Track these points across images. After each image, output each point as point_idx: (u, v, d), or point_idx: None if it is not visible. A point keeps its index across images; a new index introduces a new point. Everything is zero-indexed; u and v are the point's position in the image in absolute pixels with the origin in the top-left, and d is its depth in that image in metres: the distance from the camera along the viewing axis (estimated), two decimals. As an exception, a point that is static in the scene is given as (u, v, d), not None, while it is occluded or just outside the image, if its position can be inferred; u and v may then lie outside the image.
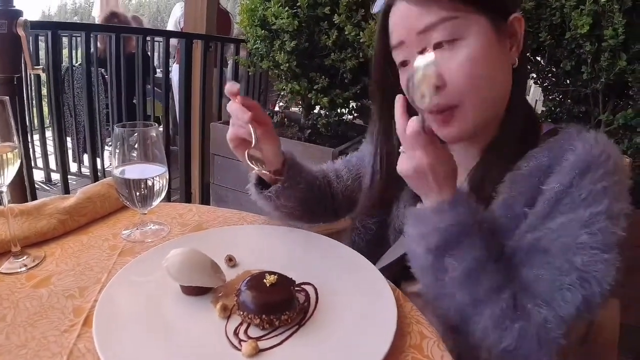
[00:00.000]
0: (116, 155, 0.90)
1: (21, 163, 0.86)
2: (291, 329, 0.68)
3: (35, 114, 3.87)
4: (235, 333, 0.67)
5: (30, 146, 3.76)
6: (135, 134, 0.90)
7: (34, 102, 3.78)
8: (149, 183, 0.91)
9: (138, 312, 0.71)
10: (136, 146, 0.91)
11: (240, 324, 0.69)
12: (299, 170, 1.00)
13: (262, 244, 0.95)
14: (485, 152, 0.87)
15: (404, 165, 0.76)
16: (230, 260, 0.85)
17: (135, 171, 0.91)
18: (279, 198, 0.96)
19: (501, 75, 0.83)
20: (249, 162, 0.87)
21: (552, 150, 0.80)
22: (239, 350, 0.64)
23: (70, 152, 3.87)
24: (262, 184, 1.00)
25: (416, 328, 0.72)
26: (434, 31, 0.78)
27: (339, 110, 2.32)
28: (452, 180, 0.77)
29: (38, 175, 3.78)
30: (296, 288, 0.75)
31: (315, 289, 0.78)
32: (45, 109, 3.39)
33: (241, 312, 0.69)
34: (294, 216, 1.03)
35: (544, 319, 0.71)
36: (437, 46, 0.78)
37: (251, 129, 0.85)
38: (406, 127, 0.73)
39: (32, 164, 3.70)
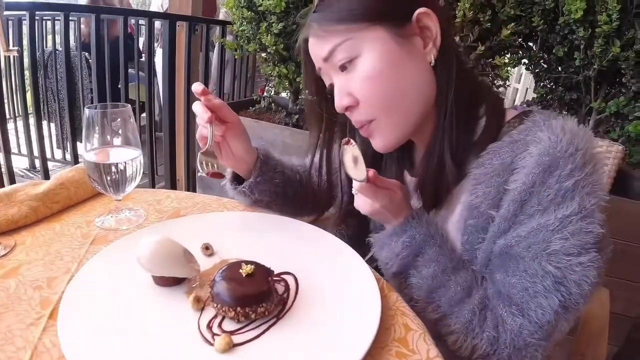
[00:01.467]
0: (87, 138, 0.85)
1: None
2: (268, 322, 0.65)
3: (18, 100, 3.79)
4: (209, 326, 0.64)
5: (15, 132, 3.71)
6: (118, 119, 0.86)
7: (16, 88, 3.70)
8: (121, 167, 0.86)
9: (106, 304, 0.67)
10: (110, 128, 0.87)
11: (215, 316, 0.66)
12: (273, 165, 0.99)
13: (241, 231, 0.92)
14: (424, 153, 0.86)
15: (361, 206, 0.83)
16: (207, 249, 0.82)
17: (108, 155, 0.87)
18: (253, 193, 0.96)
19: (414, 79, 0.80)
20: (198, 165, 0.86)
21: (515, 144, 0.76)
22: (212, 344, 0.60)
23: (54, 139, 3.81)
24: (237, 179, 1.00)
25: (401, 320, 0.69)
26: (334, 57, 0.79)
27: (327, 96, 2.26)
28: (405, 205, 0.84)
29: (23, 163, 3.71)
30: (275, 278, 0.71)
31: (296, 279, 0.74)
32: (29, 96, 3.31)
33: (215, 304, 0.65)
34: (273, 210, 1.02)
35: (519, 325, 0.72)
36: (343, 68, 0.80)
37: (209, 130, 0.85)
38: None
39: (17, 151, 3.66)
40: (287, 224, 0.93)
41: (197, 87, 0.84)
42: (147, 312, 0.67)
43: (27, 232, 0.88)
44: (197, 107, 0.86)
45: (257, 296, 0.64)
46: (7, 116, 3.72)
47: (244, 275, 0.66)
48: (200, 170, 0.86)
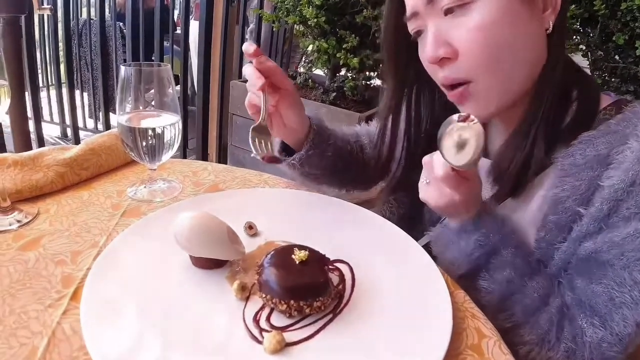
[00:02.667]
0: (122, 100, 0.76)
1: (23, 112, 0.73)
2: (323, 318, 0.54)
3: (52, 69, 3.75)
4: (256, 320, 0.53)
5: (48, 100, 3.67)
6: (152, 90, 0.76)
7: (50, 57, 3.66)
8: (158, 131, 0.76)
9: (137, 286, 0.57)
10: (147, 92, 0.76)
11: (262, 308, 0.55)
12: (326, 137, 0.87)
13: (287, 211, 0.80)
14: (511, 134, 0.73)
15: (435, 198, 0.68)
16: (251, 228, 0.71)
17: (144, 119, 0.77)
18: (303, 166, 0.85)
19: (527, 43, 0.68)
20: (250, 142, 0.74)
21: (613, 135, 0.65)
22: (260, 342, 0.50)
23: (87, 108, 3.77)
24: (286, 149, 0.88)
25: (472, 324, 0.58)
26: None
27: (367, 74, 2.13)
28: (479, 199, 0.71)
29: (55, 131, 3.69)
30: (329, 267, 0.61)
31: (351, 269, 0.63)
32: (62, 66, 3.27)
33: (264, 295, 0.54)
34: (320, 183, 0.92)
35: (600, 338, 0.63)
36: (448, 12, 0.67)
37: (262, 101, 0.73)
38: (434, 166, 0.65)
39: (50, 119, 3.63)
40: (335, 205, 0.81)
41: (248, 47, 0.72)
42: (183, 298, 0.56)
43: (53, 200, 0.79)
44: (249, 71, 0.74)
45: (314, 288, 0.53)
46: (41, 84, 3.70)
47: (297, 262, 0.55)
48: (254, 152, 0.74)
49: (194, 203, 0.77)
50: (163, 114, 0.78)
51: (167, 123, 0.77)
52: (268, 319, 0.53)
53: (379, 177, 1.01)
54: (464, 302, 0.62)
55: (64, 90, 3.09)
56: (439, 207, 0.69)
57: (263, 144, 0.74)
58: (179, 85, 2.69)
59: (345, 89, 2.14)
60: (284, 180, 0.93)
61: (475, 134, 0.57)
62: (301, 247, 0.58)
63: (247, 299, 0.56)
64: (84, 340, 0.48)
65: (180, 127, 0.80)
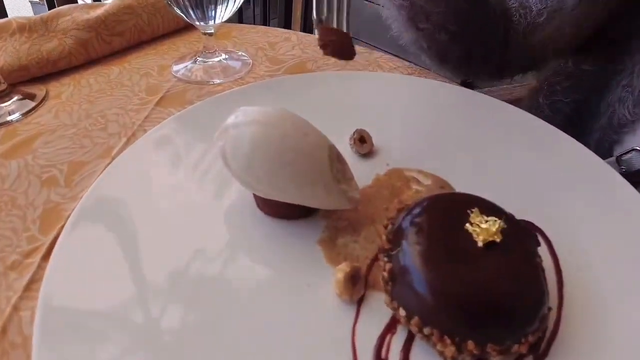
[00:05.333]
0: None
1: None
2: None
3: None
4: (380, 357, 0.24)
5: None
6: None
7: None
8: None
9: (154, 243, 0.30)
10: None
11: (390, 329, 0.25)
12: None
13: (417, 113, 0.47)
14: None
15: None
16: (362, 142, 0.39)
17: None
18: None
19: None
20: None
21: None
22: None
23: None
24: None
25: None
26: None
27: None
28: None
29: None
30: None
31: (552, 249, 0.31)
32: None
33: (401, 310, 0.24)
34: (436, 43, 0.51)
35: None
36: None
37: None
38: None
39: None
40: (493, 109, 0.46)
41: None
42: (234, 279, 0.28)
43: (70, 79, 0.53)
44: None
45: (524, 315, 0.22)
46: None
47: (480, 245, 0.24)
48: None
49: (267, 88, 0.47)
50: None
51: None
52: (406, 360, 0.24)
53: (518, 67, 0.60)
54: None
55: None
56: None
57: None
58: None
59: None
60: (403, 62, 0.58)
61: None
62: (484, 205, 0.26)
63: (360, 302, 0.26)
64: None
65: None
